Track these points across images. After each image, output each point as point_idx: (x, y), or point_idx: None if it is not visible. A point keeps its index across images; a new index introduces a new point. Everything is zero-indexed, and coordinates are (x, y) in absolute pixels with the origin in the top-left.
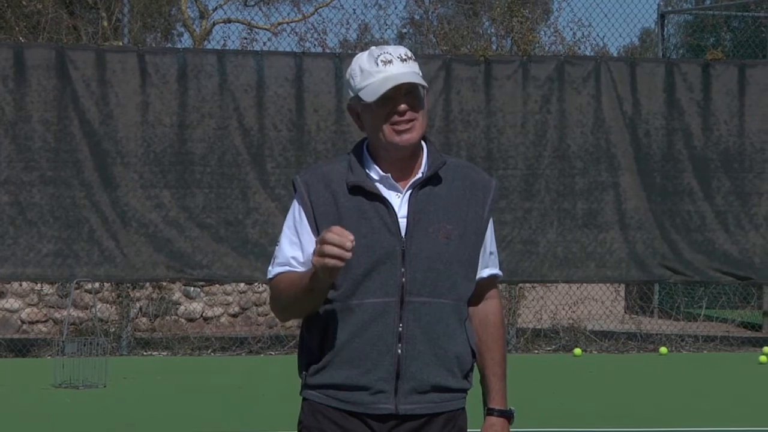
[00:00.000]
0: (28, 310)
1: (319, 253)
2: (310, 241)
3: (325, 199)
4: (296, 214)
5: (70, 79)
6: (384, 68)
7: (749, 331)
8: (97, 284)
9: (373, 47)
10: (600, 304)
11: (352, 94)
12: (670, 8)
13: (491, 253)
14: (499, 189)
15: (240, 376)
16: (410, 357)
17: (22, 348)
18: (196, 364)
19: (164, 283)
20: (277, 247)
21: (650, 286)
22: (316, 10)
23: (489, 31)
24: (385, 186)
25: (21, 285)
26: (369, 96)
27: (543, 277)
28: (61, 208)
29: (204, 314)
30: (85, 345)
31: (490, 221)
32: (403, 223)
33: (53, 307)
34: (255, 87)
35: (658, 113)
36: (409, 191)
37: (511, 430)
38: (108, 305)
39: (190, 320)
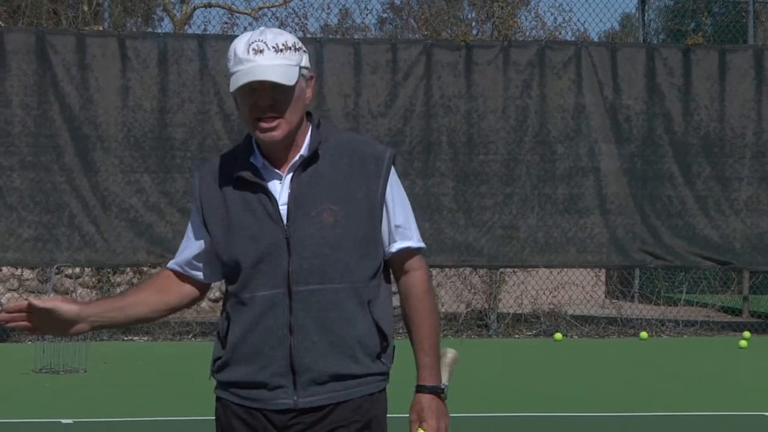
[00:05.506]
0: (8, 295)
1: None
2: (200, 237)
3: (215, 193)
4: (193, 211)
5: (50, 64)
6: (252, 58)
7: (729, 315)
8: (77, 269)
9: (258, 30)
10: (580, 289)
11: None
12: None
13: (398, 227)
14: (393, 158)
15: None
16: (303, 349)
17: (2, 333)
18: (176, 349)
19: (145, 268)
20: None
21: (631, 270)
22: None
23: (470, 16)
24: (266, 173)
25: (1, 270)
26: (232, 85)
27: (523, 262)
28: (41, 192)
29: None
30: None
31: (397, 193)
32: (284, 210)
33: (33, 292)
34: None
35: (638, 98)
36: (290, 175)
37: (488, 414)
38: (88, 290)
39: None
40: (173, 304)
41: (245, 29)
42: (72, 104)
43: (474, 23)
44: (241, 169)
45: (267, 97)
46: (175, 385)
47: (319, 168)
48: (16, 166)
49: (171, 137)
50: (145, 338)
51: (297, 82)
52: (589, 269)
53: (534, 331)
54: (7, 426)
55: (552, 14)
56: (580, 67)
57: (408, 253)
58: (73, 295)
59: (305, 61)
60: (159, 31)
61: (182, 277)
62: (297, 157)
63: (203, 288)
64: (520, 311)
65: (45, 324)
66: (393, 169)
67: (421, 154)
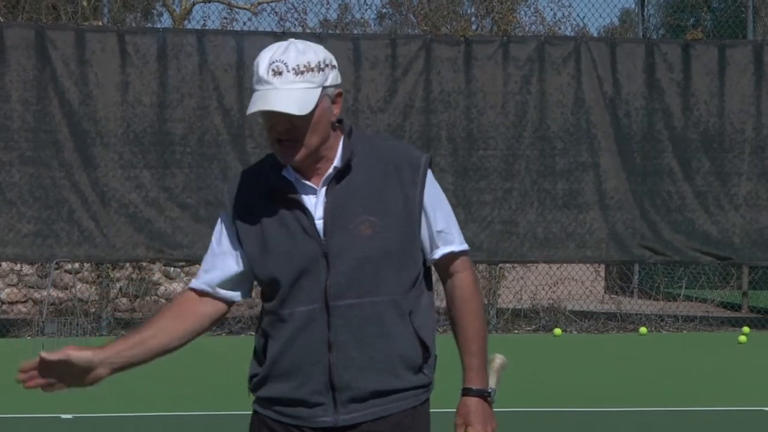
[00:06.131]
0: (7, 290)
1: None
2: (235, 256)
3: (248, 209)
4: (220, 227)
5: (49, 59)
6: (271, 80)
7: (729, 310)
8: (77, 264)
9: (284, 45)
10: (580, 284)
11: None
12: None
13: (440, 232)
14: (429, 163)
15: (220, 357)
16: (343, 365)
17: (1, 328)
18: None
19: (144, 263)
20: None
21: (630, 266)
22: None
23: (469, 11)
24: (300, 187)
25: (0, 265)
26: (249, 108)
27: (523, 257)
28: (41, 188)
29: None
30: (65, 325)
31: (436, 197)
32: (320, 224)
33: (33, 288)
34: (235, 67)
35: (638, 93)
36: (324, 188)
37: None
38: (88, 285)
39: (170, 300)
40: (195, 327)
41: (244, 24)
42: (71, 99)
43: (473, 18)
44: (273, 183)
45: (284, 122)
46: (175, 380)
47: (353, 179)
48: (16, 161)
49: (170, 132)
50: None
51: (318, 104)
52: (588, 264)
53: (533, 327)
54: (7, 421)
55: (551, 9)
56: (579, 63)
57: (452, 257)
58: (73, 290)
59: (332, 78)
60: (158, 26)
61: (208, 296)
62: (331, 170)
63: (231, 305)
64: (519, 306)
65: (62, 375)
66: (430, 173)
67: (421, 150)
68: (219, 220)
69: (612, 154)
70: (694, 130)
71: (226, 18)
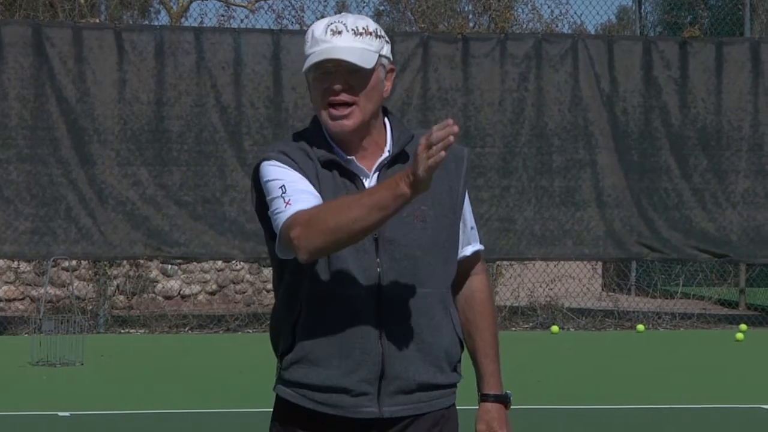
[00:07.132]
0: (5, 287)
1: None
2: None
3: (309, 166)
4: (285, 168)
5: (46, 57)
6: (330, 39)
7: (726, 308)
8: (74, 262)
9: (339, 15)
10: (577, 281)
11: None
12: None
13: (472, 228)
14: (470, 158)
15: (217, 354)
16: (394, 355)
17: None
18: (173, 341)
19: (141, 261)
20: (281, 195)
21: (627, 263)
22: None
23: (466, 9)
24: (353, 169)
25: None
26: (305, 65)
27: (520, 254)
28: (38, 185)
29: (181, 292)
30: (62, 323)
31: (467, 193)
32: None
33: (30, 285)
34: (232, 64)
35: (635, 91)
36: (377, 173)
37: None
38: (85, 283)
39: (168, 298)
40: None
41: (241, 22)
42: (69, 97)
43: (471, 16)
44: (328, 153)
45: (341, 81)
46: (171, 377)
47: (405, 166)
48: (13, 158)
49: (168, 130)
50: (142, 330)
51: (375, 69)
52: (585, 262)
53: (531, 324)
54: (4, 419)
55: (549, 7)
56: (576, 60)
57: (478, 256)
58: (70, 288)
59: (386, 50)
60: (155, 23)
61: None
62: (386, 153)
63: None
64: (516, 304)
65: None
66: None
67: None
68: (274, 167)
69: (609, 152)
70: (691, 128)
71: (223, 15)
